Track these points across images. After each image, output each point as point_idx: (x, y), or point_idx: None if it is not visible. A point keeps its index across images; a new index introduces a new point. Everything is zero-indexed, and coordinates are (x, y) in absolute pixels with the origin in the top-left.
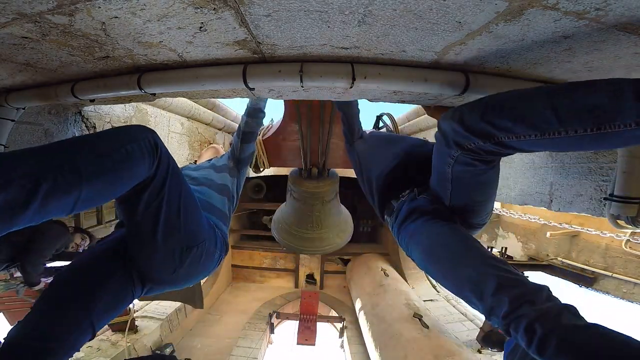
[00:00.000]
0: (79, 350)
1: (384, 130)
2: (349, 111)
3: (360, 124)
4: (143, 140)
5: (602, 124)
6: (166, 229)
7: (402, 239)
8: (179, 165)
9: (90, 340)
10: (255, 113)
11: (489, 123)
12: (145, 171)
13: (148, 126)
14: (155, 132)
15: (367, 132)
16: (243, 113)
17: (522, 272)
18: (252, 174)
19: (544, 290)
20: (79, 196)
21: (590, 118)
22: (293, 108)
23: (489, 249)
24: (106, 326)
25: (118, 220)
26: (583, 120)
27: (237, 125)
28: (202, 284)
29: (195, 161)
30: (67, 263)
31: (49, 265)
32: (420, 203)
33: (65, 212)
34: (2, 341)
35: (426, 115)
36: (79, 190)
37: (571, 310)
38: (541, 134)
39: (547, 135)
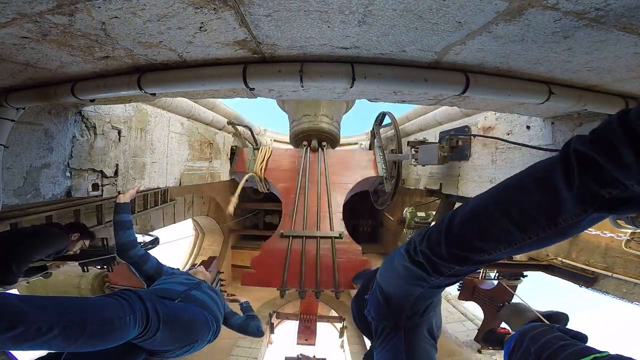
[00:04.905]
0: None
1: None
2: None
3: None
4: (139, 311)
5: (554, 219)
6: (158, 344)
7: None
8: (178, 165)
9: None
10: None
11: (458, 247)
12: (134, 335)
13: (141, 293)
14: (148, 297)
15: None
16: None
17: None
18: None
19: None
20: (73, 344)
21: (541, 218)
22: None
23: None
24: None
25: None
26: (536, 222)
27: (238, 126)
28: None
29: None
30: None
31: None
32: (375, 327)
33: (60, 349)
34: None
35: (426, 115)
36: (76, 342)
37: None
38: (509, 245)
39: (514, 245)
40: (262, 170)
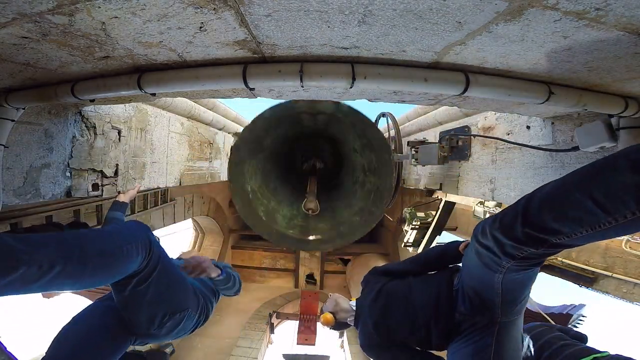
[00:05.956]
0: None
1: None
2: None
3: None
4: (141, 239)
5: None
6: (151, 300)
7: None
8: (178, 165)
9: None
10: (222, 289)
11: (535, 229)
12: (137, 266)
13: (144, 223)
14: (150, 230)
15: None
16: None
17: None
18: None
19: None
20: (79, 281)
21: (631, 201)
22: None
23: None
24: None
25: None
26: (625, 204)
27: (237, 131)
28: None
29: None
30: None
31: None
32: (458, 321)
33: (64, 290)
34: None
35: (426, 115)
36: (82, 277)
37: None
38: (592, 228)
39: (597, 228)
40: None
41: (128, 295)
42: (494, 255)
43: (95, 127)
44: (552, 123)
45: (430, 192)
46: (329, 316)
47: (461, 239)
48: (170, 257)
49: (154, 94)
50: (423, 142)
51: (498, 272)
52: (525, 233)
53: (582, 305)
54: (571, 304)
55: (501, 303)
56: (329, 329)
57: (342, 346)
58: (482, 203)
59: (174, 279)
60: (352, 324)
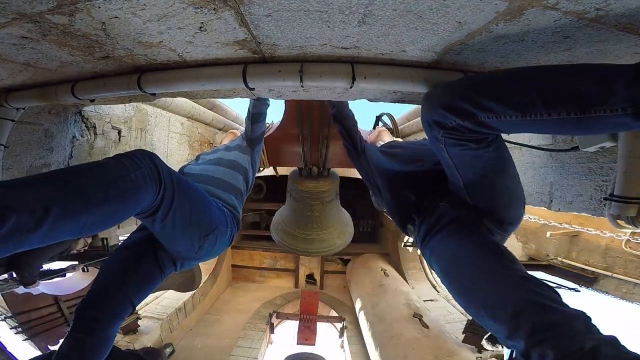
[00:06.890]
0: (124, 320)
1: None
2: (346, 123)
3: (359, 133)
4: (146, 167)
5: (587, 108)
6: (183, 229)
7: (425, 254)
8: (178, 165)
9: (131, 313)
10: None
11: (469, 101)
12: (150, 197)
13: (147, 150)
14: (156, 155)
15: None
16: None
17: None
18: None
19: (577, 319)
20: (85, 222)
21: (575, 101)
22: (294, 107)
23: None
24: None
25: None
26: (568, 103)
27: (237, 125)
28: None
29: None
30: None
31: (46, 267)
32: (441, 212)
33: (72, 235)
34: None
35: None
36: (86, 217)
37: (612, 344)
38: (522, 116)
39: (528, 117)
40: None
41: (160, 230)
42: (428, 124)
43: (95, 127)
44: None
45: None
46: None
47: None
48: (184, 170)
49: (154, 94)
50: None
51: (441, 148)
52: (459, 103)
53: None
54: None
55: (466, 190)
56: None
57: (342, 346)
58: None
59: (195, 200)
60: None
